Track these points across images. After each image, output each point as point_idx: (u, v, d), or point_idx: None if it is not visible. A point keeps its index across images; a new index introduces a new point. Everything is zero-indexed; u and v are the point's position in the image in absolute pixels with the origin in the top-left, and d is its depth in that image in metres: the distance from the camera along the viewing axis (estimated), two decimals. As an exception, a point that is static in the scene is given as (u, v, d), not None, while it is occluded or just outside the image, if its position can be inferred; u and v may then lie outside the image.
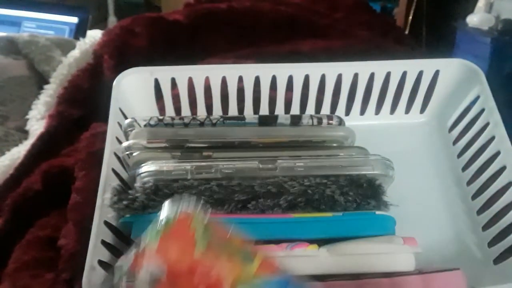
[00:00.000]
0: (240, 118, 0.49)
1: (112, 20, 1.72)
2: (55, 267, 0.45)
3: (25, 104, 0.63)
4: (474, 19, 1.05)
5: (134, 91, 0.52)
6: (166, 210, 0.30)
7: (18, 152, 0.56)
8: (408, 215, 0.43)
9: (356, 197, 0.42)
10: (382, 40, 0.72)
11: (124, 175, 0.46)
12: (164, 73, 0.53)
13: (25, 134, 0.61)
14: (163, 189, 0.40)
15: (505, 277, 0.43)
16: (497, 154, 0.48)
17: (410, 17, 1.16)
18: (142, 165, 0.43)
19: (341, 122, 0.50)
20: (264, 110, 0.55)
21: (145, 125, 0.48)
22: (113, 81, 0.51)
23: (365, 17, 0.80)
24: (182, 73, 0.53)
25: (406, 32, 1.15)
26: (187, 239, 0.28)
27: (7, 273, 0.45)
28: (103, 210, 0.42)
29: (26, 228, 0.50)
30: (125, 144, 0.46)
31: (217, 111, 0.55)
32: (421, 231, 0.42)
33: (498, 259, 0.45)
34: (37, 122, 0.61)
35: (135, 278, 0.28)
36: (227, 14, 0.71)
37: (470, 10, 1.10)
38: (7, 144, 0.59)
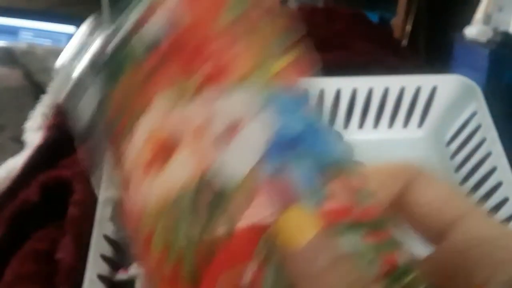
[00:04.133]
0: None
1: (108, 27, 1.72)
2: (52, 280, 0.44)
3: (22, 114, 0.63)
4: (472, 31, 1.06)
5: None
6: None
7: (14, 163, 0.56)
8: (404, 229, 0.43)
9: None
10: (381, 52, 0.72)
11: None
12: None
13: (21, 144, 0.61)
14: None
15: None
16: (493, 170, 0.48)
17: (409, 28, 1.16)
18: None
19: (338, 136, 0.50)
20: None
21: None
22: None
23: (362, 28, 0.80)
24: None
25: (405, 42, 1.15)
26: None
27: (3, 285, 0.45)
28: (102, 224, 0.42)
29: (24, 240, 0.49)
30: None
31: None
32: (417, 244, 0.42)
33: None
34: (34, 133, 0.60)
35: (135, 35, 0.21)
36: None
37: (470, 21, 1.10)
38: (4, 154, 0.59)
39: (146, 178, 0.19)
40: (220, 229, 0.18)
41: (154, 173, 0.19)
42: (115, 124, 0.21)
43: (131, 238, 0.20)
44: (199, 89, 0.19)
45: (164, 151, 0.19)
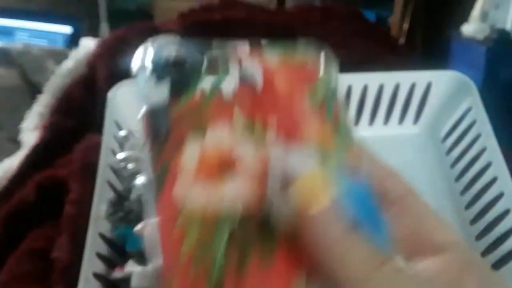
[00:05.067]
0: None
1: (104, 28, 1.72)
2: (48, 279, 0.44)
3: (18, 114, 0.63)
4: (469, 29, 1.06)
5: (129, 103, 0.52)
6: (305, 49, 0.25)
7: (11, 163, 0.56)
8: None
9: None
10: (377, 50, 0.72)
11: (119, 187, 0.46)
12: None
13: (17, 144, 0.61)
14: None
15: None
16: (488, 165, 0.48)
17: (406, 26, 1.17)
18: (138, 176, 0.43)
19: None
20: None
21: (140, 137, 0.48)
22: (107, 92, 0.51)
23: (359, 26, 0.80)
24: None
25: (402, 40, 1.15)
26: (306, 80, 0.24)
27: (-1, 284, 0.45)
28: (98, 222, 0.42)
29: (20, 240, 0.49)
30: (120, 155, 0.46)
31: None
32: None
33: (491, 269, 0.45)
34: (30, 133, 0.60)
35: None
36: (221, 24, 0.71)
37: (466, 18, 1.10)
38: (0, 155, 0.59)
39: (197, 181, 0.21)
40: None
41: (204, 180, 0.21)
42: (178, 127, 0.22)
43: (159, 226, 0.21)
44: (270, 135, 0.22)
45: (221, 165, 0.21)
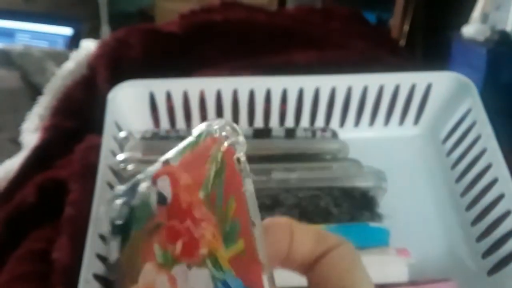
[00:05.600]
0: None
1: (105, 30, 1.72)
2: (49, 280, 0.44)
3: (19, 115, 0.63)
4: (469, 30, 1.06)
5: (129, 104, 0.52)
6: (200, 128, 0.24)
7: (11, 164, 0.56)
8: (401, 227, 0.43)
9: (350, 209, 0.42)
10: (377, 51, 0.72)
11: (118, 188, 0.46)
12: (159, 86, 0.53)
13: (18, 146, 0.61)
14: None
15: (499, 288, 0.44)
16: (489, 166, 0.48)
17: (406, 28, 1.17)
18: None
19: (334, 134, 0.51)
20: (258, 123, 0.55)
21: (140, 138, 0.48)
22: (107, 93, 0.51)
23: (360, 28, 0.80)
24: (176, 86, 0.53)
25: (402, 42, 1.16)
26: (200, 171, 0.23)
27: (-1, 286, 0.45)
28: (98, 223, 0.42)
29: (20, 241, 0.49)
30: (120, 157, 0.46)
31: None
32: (414, 242, 0.42)
33: (492, 271, 0.45)
34: (30, 134, 0.61)
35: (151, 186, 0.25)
36: (222, 25, 0.71)
37: (466, 20, 1.10)
38: (1, 156, 0.59)
39: None
40: None
41: None
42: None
43: None
44: (176, 259, 0.23)
45: None
